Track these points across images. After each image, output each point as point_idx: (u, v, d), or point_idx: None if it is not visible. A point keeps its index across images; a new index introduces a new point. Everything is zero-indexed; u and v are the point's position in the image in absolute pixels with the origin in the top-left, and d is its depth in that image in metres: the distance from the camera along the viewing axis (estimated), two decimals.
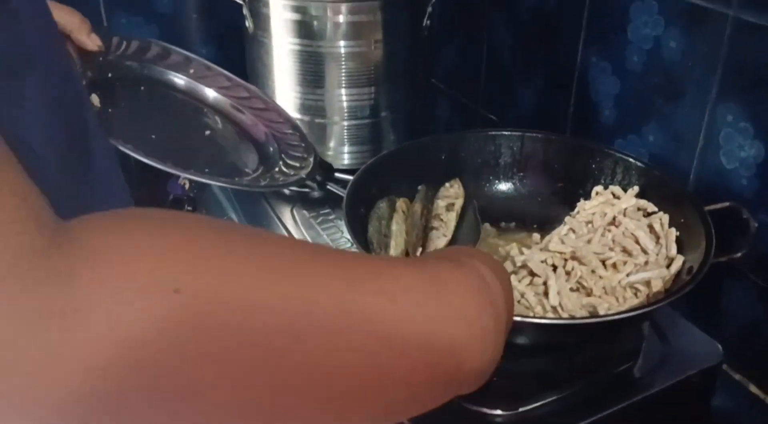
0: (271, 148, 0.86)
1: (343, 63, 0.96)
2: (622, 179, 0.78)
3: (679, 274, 0.66)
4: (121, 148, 0.66)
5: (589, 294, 0.64)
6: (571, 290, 0.64)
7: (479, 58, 1.12)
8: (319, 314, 0.26)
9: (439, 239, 0.74)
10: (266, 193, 0.92)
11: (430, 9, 1.00)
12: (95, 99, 0.73)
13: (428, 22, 1.01)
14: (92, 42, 0.72)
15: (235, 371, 0.24)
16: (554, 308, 0.63)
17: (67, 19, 0.70)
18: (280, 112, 0.91)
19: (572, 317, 0.62)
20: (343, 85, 0.98)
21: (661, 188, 0.74)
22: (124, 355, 0.21)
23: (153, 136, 0.75)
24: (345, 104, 0.99)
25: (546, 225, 0.78)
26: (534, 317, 0.61)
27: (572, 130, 0.97)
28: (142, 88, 0.83)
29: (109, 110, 0.74)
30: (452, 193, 0.81)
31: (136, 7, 1.14)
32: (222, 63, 0.93)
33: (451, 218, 0.77)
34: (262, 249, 0.27)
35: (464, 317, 0.33)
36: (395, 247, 0.70)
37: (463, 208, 0.80)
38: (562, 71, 0.96)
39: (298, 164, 0.84)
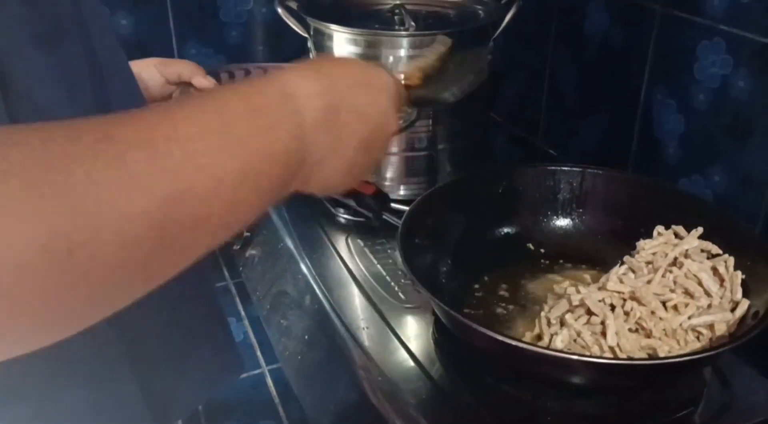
0: None
1: None
2: (686, 219, 0.76)
3: (744, 318, 0.63)
4: None
5: (648, 336, 0.63)
6: (630, 330, 0.63)
7: (540, 92, 1.12)
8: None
9: None
10: (322, 221, 0.93)
11: (491, 44, 1.00)
12: None
13: (489, 56, 1.01)
14: (209, 82, 0.81)
15: None
16: (612, 349, 0.61)
17: (185, 68, 0.82)
18: None
19: (631, 358, 0.60)
20: None
21: (726, 230, 0.72)
22: None
23: None
24: (403, 136, 1.00)
25: (604, 264, 0.76)
26: (591, 356, 0.59)
27: (634, 167, 0.95)
28: None
29: None
30: None
31: (207, 39, 1.18)
32: None
33: None
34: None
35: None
36: None
37: None
38: (626, 107, 0.95)
39: None
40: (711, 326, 0.62)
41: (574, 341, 0.63)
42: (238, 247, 0.99)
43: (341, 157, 0.45)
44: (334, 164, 0.44)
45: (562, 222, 0.83)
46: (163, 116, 0.33)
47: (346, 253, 0.87)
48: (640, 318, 0.63)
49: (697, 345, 0.62)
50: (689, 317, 0.63)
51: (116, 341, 0.46)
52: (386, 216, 0.86)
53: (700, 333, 0.63)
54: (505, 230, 0.83)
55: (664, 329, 0.62)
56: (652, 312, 0.64)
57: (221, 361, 0.59)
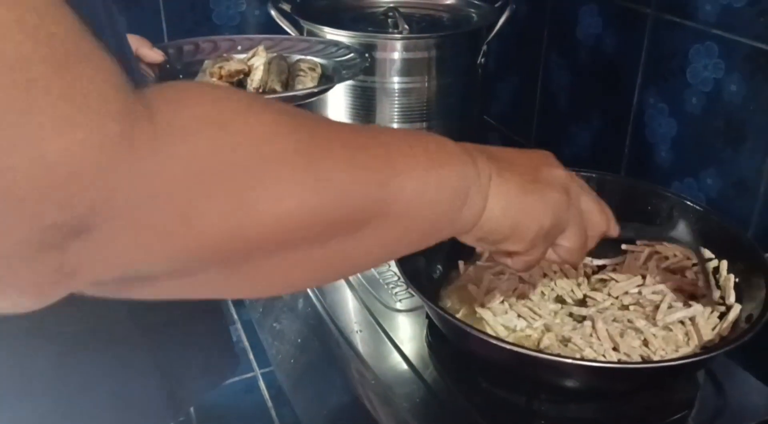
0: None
1: (396, 98, 0.97)
2: (678, 223, 0.75)
3: (736, 322, 0.63)
4: None
5: (641, 339, 0.63)
6: (622, 333, 0.63)
7: (533, 96, 1.12)
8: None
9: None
10: None
11: (485, 47, 1.01)
12: None
13: (483, 60, 1.02)
14: (156, 54, 0.82)
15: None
16: (605, 351, 0.61)
17: (130, 42, 0.79)
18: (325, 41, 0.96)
19: (624, 361, 0.60)
20: (395, 120, 0.99)
21: (719, 234, 0.72)
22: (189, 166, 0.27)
23: None
24: None
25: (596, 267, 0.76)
26: (584, 360, 0.59)
27: (627, 171, 0.96)
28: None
29: None
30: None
31: (200, 34, 1.18)
32: None
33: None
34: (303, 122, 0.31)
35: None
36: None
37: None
38: (618, 111, 0.95)
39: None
40: (698, 332, 0.63)
41: (566, 346, 0.63)
42: None
43: (516, 198, 0.42)
44: (505, 206, 0.42)
45: None
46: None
47: None
48: (630, 321, 0.64)
49: (688, 350, 0.62)
50: (669, 307, 0.63)
51: (132, 325, 0.45)
52: None
53: (690, 338, 0.63)
54: None
55: (654, 334, 0.63)
56: (646, 316, 0.64)
57: (219, 349, 0.59)
